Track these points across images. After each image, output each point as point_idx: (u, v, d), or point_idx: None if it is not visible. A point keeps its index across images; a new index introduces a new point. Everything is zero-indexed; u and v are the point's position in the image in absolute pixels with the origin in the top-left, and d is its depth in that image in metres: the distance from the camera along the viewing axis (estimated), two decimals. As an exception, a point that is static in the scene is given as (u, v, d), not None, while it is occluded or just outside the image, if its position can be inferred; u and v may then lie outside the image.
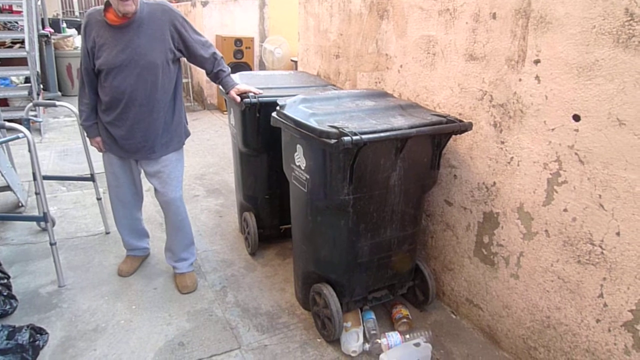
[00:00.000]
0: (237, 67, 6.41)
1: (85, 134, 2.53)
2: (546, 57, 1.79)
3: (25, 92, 5.77)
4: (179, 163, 2.53)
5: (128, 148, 2.39)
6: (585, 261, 1.76)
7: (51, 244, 2.53)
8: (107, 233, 3.19)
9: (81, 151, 3.07)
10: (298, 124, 1.93)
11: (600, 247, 1.70)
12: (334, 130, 1.75)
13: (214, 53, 2.47)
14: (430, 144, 2.07)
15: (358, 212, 2.00)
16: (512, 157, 1.99)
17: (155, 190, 2.50)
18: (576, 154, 1.73)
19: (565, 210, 1.81)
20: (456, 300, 2.45)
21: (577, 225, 1.77)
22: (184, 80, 7.17)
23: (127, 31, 2.20)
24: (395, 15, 2.52)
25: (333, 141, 1.72)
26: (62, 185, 3.99)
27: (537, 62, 1.82)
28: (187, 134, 2.59)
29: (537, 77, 1.83)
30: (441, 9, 2.22)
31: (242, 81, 2.66)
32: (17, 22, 6.74)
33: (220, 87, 2.64)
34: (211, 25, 7.01)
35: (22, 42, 5.95)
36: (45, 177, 2.89)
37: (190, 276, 2.66)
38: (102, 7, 2.23)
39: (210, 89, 7.29)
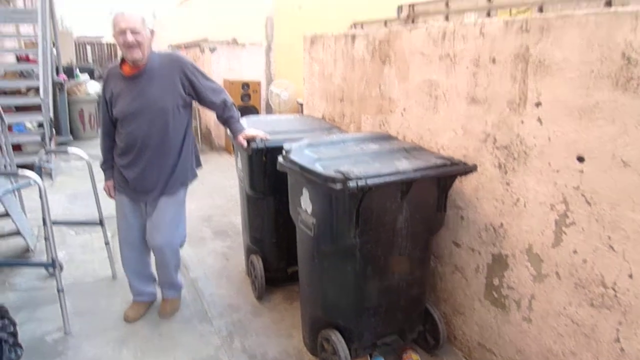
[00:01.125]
0: (245, 110, 6.54)
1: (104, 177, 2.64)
2: (547, 100, 1.82)
3: (38, 138, 5.91)
4: (181, 207, 2.59)
5: (139, 190, 2.48)
6: (599, 304, 1.72)
7: (58, 291, 2.52)
8: (114, 278, 3.18)
9: (91, 194, 3.11)
10: (304, 169, 1.95)
11: (613, 289, 1.67)
12: (339, 175, 1.77)
13: (225, 99, 2.56)
14: (436, 186, 2.08)
15: (365, 255, 1.99)
16: (519, 199, 1.99)
17: (147, 231, 2.56)
18: (582, 195, 1.73)
19: (575, 251, 1.78)
20: (468, 344, 2.39)
21: (588, 267, 1.75)
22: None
23: (140, 81, 2.36)
24: (397, 61, 2.59)
25: (339, 186, 1.74)
26: (71, 229, 4.02)
27: (538, 104, 1.85)
28: (194, 176, 2.64)
29: (539, 119, 1.86)
30: (442, 54, 2.28)
31: (248, 126, 2.71)
32: (33, 70, 7.00)
33: (229, 131, 2.71)
34: (219, 70, 7.23)
35: (37, 89, 6.15)
36: (55, 223, 2.91)
37: (171, 302, 2.78)
38: (119, 61, 2.42)
39: (218, 131, 7.43)
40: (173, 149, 2.45)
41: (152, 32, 2.36)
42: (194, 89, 2.45)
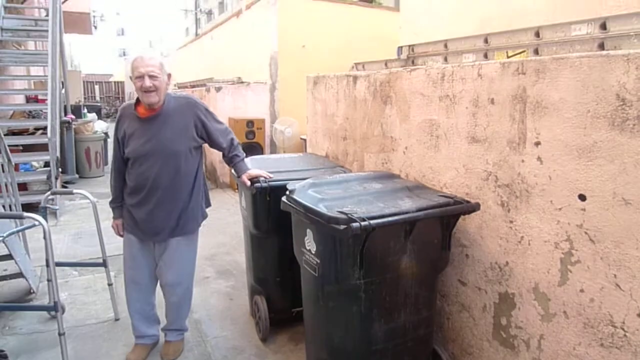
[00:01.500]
0: (249, 147, 6.63)
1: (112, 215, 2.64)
2: (546, 140, 1.85)
3: (44, 177, 5.98)
4: (190, 248, 2.60)
5: (148, 231, 2.49)
6: (609, 344, 1.69)
7: (60, 334, 2.49)
8: (117, 320, 3.14)
9: (95, 233, 3.12)
10: (307, 209, 1.97)
11: (622, 329, 1.64)
12: (342, 216, 1.78)
13: (232, 139, 2.64)
14: (440, 225, 2.08)
15: (370, 296, 1.97)
16: (523, 237, 1.99)
17: (158, 270, 2.58)
18: (586, 233, 1.73)
19: (581, 290, 1.77)
20: (478, 387, 2.33)
21: (596, 306, 1.72)
22: (197, 160, 7.40)
23: (154, 123, 2.40)
24: (398, 101, 2.65)
25: (342, 227, 1.74)
26: (73, 269, 4.00)
27: (537, 144, 1.88)
28: (204, 216, 2.68)
29: (539, 158, 1.88)
30: (441, 95, 2.34)
31: (253, 166, 2.75)
32: (41, 110, 7.16)
33: (233, 170, 2.75)
34: (224, 108, 7.38)
35: (45, 128, 6.27)
36: (58, 264, 2.92)
37: (174, 345, 2.72)
38: (134, 101, 2.46)
39: (223, 169, 7.50)
40: (184, 191, 2.47)
41: (169, 76, 2.42)
42: (207, 133, 2.51)
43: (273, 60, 7.90)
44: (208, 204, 2.71)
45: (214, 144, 2.58)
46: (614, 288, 1.66)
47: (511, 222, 2.03)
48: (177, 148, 2.40)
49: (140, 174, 2.42)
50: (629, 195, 1.58)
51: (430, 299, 2.19)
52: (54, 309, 2.48)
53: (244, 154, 2.72)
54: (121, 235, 2.64)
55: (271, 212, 2.66)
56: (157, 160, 2.38)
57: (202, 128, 2.48)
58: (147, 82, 2.27)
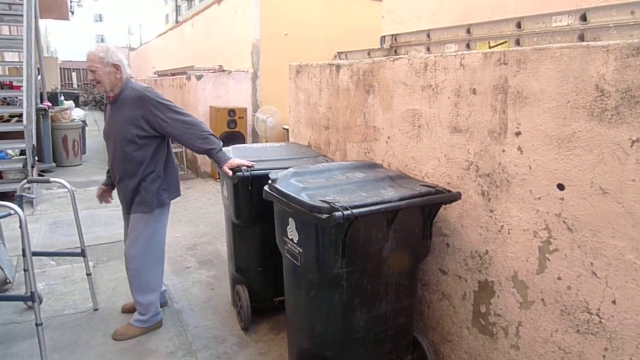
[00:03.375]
0: (231, 136, 6.56)
1: None
2: (526, 130, 1.86)
3: (20, 165, 5.82)
4: (146, 226, 2.71)
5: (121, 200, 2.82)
6: (585, 331, 1.73)
7: (37, 325, 2.44)
8: (96, 310, 3.10)
9: (73, 223, 3.07)
10: (290, 198, 1.95)
11: (598, 315, 1.68)
12: (325, 205, 1.77)
13: (194, 133, 2.60)
14: (421, 214, 2.10)
15: (352, 285, 1.97)
16: (502, 226, 2.01)
17: None
18: (564, 222, 1.76)
19: (559, 278, 1.80)
20: (457, 373, 2.37)
21: (573, 294, 1.76)
22: (177, 150, 7.27)
23: (113, 109, 2.68)
24: (381, 91, 2.64)
25: (324, 216, 1.74)
26: (51, 259, 3.92)
27: (518, 134, 1.90)
28: (162, 204, 2.73)
29: (519, 148, 1.90)
30: (424, 85, 2.34)
31: (235, 155, 2.72)
32: (16, 97, 6.95)
33: (213, 162, 2.72)
34: (205, 97, 7.27)
35: (20, 115, 6.08)
36: (35, 254, 2.84)
37: (126, 328, 2.80)
38: None
39: (204, 158, 7.41)
40: (136, 174, 2.64)
41: (116, 66, 2.56)
42: (157, 123, 2.58)
43: (255, 49, 7.80)
44: (172, 194, 2.80)
45: (169, 135, 2.65)
46: (590, 276, 1.69)
47: (491, 211, 2.05)
48: (124, 135, 2.59)
49: (108, 152, 2.78)
50: (606, 185, 1.61)
51: (411, 288, 2.21)
52: (31, 299, 2.43)
53: (220, 144, 2.68)
54: (99, 201, 3.03)
55: (253, 201, 2.65)
56: (112, 142, 2.67)
57: (153, 120, 2.58)
58: (90, 76, 2.59)
